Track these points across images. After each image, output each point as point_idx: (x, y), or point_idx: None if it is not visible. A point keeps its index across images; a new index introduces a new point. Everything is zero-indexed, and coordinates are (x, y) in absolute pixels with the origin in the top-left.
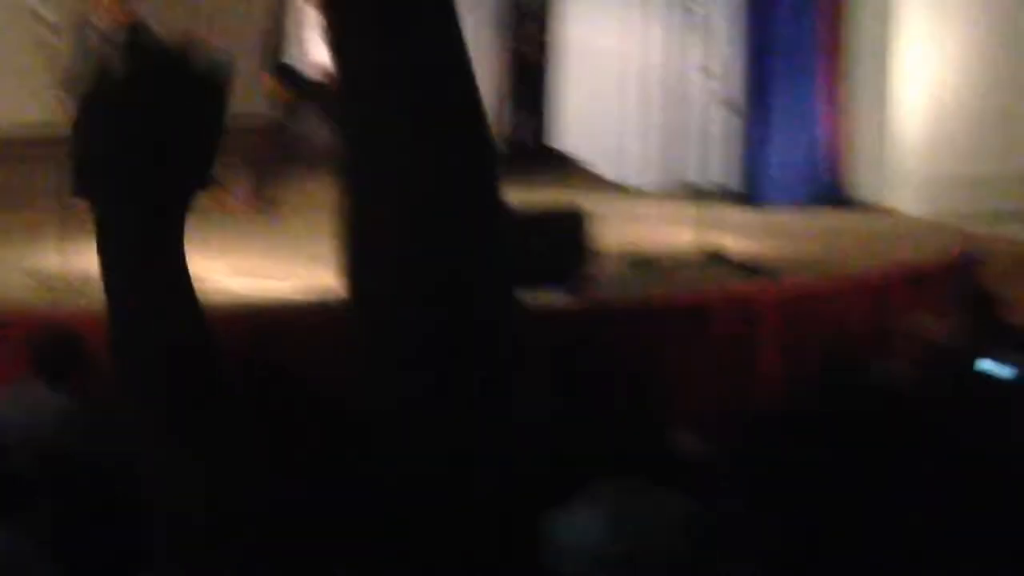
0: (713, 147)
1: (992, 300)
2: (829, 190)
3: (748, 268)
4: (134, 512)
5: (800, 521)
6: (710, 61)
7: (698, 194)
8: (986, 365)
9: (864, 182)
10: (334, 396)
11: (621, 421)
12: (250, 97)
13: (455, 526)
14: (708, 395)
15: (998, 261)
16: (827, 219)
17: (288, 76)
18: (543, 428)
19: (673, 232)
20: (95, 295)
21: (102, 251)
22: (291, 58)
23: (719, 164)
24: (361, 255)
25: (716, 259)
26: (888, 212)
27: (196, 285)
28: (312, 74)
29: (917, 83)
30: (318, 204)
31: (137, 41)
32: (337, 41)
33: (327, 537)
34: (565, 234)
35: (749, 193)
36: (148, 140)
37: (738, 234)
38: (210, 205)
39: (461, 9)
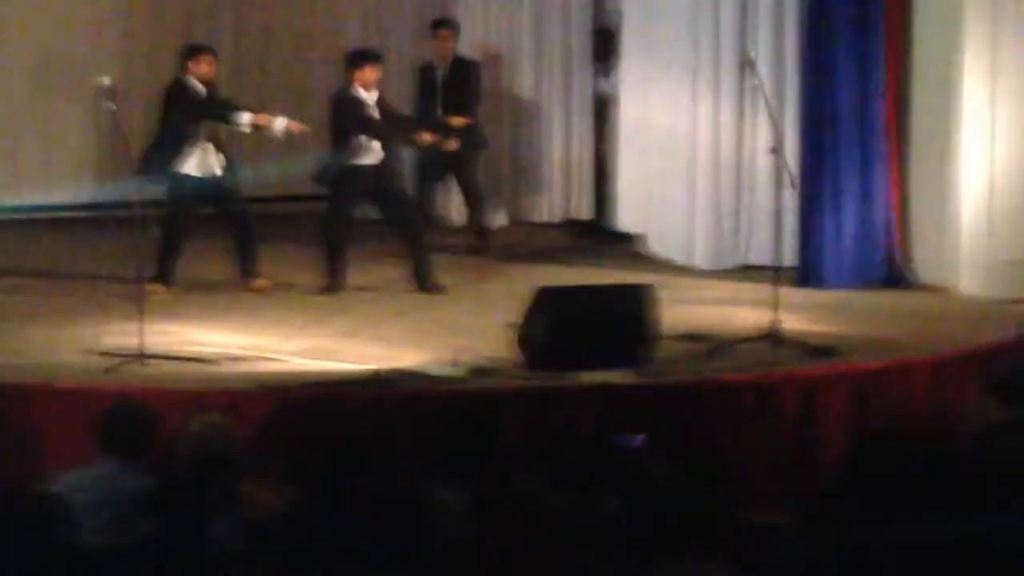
0: (773, 227)
1: None
2: (893, 271)
3: (809, 348)
4: None
5: None
6: (774, 140)
7: (761, 274)
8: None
9: (928, 263)
10: None
11: (685, 496)
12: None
13: None
14: (769, 472)
15: None
16: (887, 300)
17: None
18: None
19: (733, 312)
20: (165, 371)
21: None
22: None
23: (783, 244)
24: None
25: (778, 339)
26: (948, 293)
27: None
28: None
29: (982, 164)
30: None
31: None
32: None
33: None
34: (630, 313)
35: (813, 273)
36: None
37: (801, 314)
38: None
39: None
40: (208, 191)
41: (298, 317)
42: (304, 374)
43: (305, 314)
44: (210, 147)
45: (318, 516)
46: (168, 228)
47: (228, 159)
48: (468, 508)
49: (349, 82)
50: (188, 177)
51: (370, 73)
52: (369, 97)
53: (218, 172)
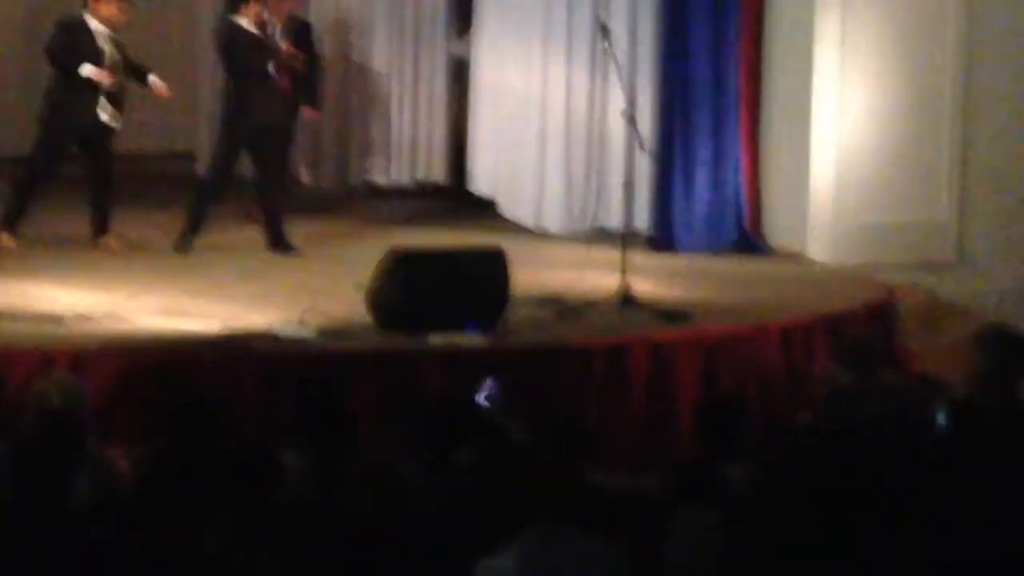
0: (629, 192)
1: (895, 349)
2: (744, 237)
3: (662, 312)
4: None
5: None
6: (627, 106)
7: (613, 239)
8: None
9: (779, 229)
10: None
11: (543, 463)
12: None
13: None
14: (624, 437)
15: (909, 310)
16: (741, 266)
17: None
18: (468, 473)
19: (589, 276)
20: (11, 330)
21: None
22: None
23: (635, 209)
24: None
25: (630, 303)
26: (802, 260)
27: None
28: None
29: (833, 132)
30: (243, 247)
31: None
32: None
33: None
34: (483, 276)
35: (665, 238)
36: None
37: (653, 279)
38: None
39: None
40: (86, 138)
41: (148, 275)
42: (153, 333)
43: (155, 273)
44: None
45: (165, 476)
46: (29, 174)
47: (119, 108)
48: (314, 471)
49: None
50: (68, 120)
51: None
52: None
53: (103, 119)
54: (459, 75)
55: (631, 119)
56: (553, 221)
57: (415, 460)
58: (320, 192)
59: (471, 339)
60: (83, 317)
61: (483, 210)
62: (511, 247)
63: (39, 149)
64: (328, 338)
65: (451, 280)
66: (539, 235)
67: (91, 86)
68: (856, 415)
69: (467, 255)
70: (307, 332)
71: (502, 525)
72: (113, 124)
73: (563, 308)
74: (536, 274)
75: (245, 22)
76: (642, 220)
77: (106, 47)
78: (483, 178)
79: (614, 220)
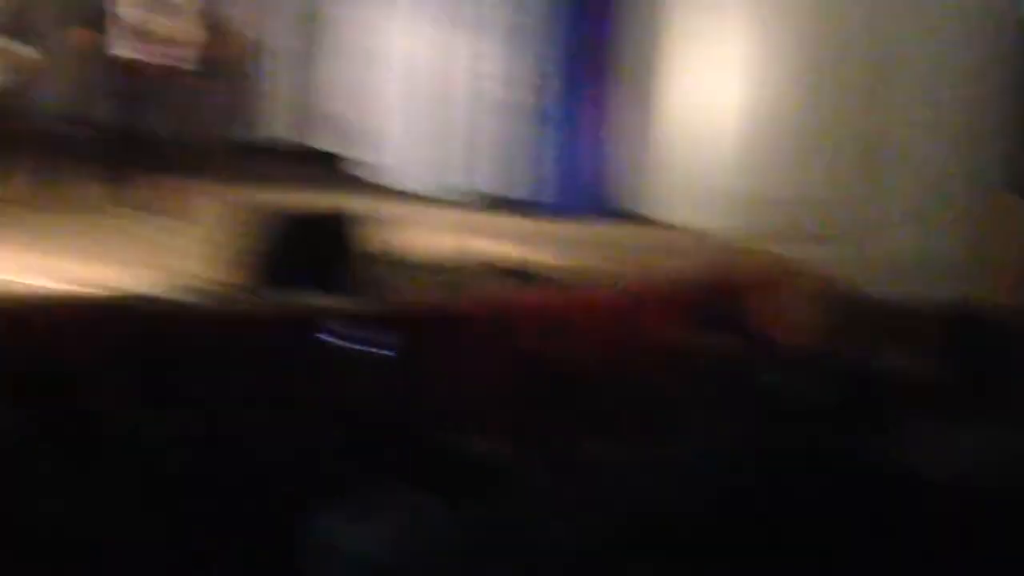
0: (491, 154)
1: (747, 315)
2: (607, 201)
3: (518, 276)
4: None
5: None
6: (494, 68)
7: (474, 201)
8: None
9: (641, 195)
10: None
11: (383, 422)
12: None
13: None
14: (479, 401)
15: (763, 277)
16: (609, 231)
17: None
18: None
19: (444, 238)
20: None
21: None
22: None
23: (495, 172)
24: None
25: (486, 267)
26: (661, 225)
27: None
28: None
29: (695, 100)
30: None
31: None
32: None
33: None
34: (333, 237)
35: (526, 202)
36: None
37: (510, 242)
38: None
39: None
40: None
41: (7, 233)
42: (10, 292)
43: (15, 230)
44: None
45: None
46: None
47: None
48: (172, 435)
49: None
50: None
51: None
52: None
53: None
54: (319, 32)
55: (493, 79)
56: (413, 181)
57: (261, 416)
58: (178, 149)
59: (331, 301)
60: None
61: (349, 170)
62: (368, 207)
63: None
64: (188, 298)
65: (313, 240)
66: (398, 195)
67: None
68: (724, 383)
69: (330, 215)
70: (167, 292)
71: (336, 482)
72: None
73: (424, 271)
74: (393, 236)
75: None
76: (513, 184)
77: None
78: (353, 139)
79: (475, 182)
